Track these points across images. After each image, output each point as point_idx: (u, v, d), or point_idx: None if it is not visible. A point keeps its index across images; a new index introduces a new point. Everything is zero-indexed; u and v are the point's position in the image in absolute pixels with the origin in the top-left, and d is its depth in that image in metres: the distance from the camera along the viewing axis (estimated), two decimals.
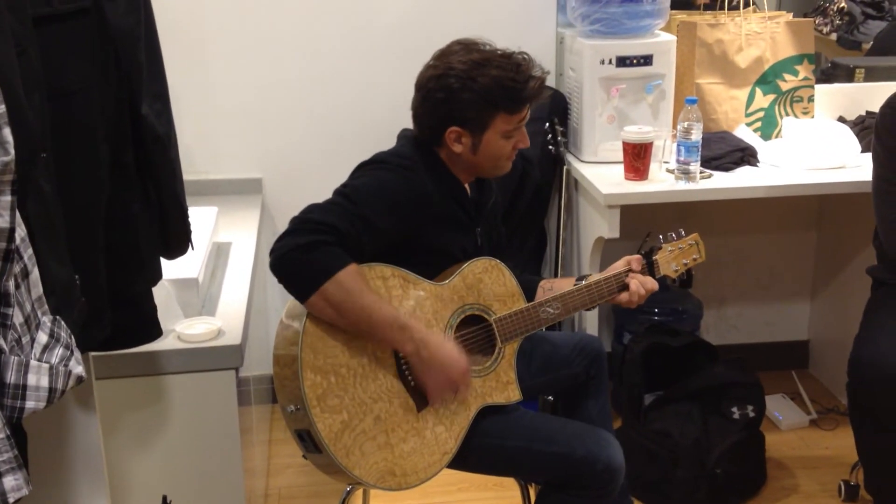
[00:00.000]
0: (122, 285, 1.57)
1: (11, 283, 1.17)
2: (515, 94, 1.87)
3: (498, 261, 1.99)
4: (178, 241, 1.73)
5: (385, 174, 1.87)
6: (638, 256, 2.07)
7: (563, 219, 2.93)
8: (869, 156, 2.46)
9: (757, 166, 2.80)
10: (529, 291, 2.04)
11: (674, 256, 2.12)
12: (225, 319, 2.05)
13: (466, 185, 2.00)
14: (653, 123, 2.79)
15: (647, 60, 2.78)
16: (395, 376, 1.82)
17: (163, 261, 1.73)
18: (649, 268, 2.08)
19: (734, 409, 2.67)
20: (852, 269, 3.11)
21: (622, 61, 2.76)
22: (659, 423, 2.65)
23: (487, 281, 1.95)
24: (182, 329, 1.97)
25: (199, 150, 2.97)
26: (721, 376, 2.71)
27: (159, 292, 1.76)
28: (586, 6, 2.78)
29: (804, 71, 2.98)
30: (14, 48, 1.22)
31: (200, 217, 2.37)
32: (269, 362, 1.80)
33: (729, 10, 2.98)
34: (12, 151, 1.15)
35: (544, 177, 2.99)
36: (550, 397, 2.69)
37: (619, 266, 2.06)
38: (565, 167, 2.89)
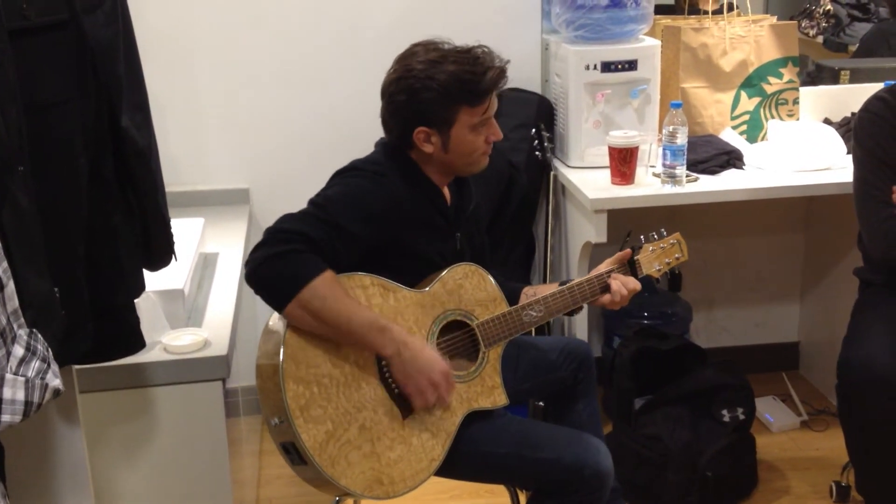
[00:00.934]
0: (104, 297, 1.57)
1: None
2: (474, 86, 1.87)
3: (478, 266, 1.98)
4: (161, 253, 1.73)
5: (358, 181, 1.88)
6: (626, 252, 2.07)
7: (550, 224, 2.93)
8: None
9: (743, 169, 2.81)
10: (513, 299, 2.04)
11: (655, 256, 2.12)
12: (211, 330, 2.04)
13: (445, 189, 2.00)
14: (638, 128, 2.79)
15: (631, 65, 2.78)
16: (379, 385, 1.82)
17: (148, 272, 1.73)
18: (631, 268, 2.08)
19: (724, 412, 2.67)
20: (841, 270, 3.11)
21: (607, 66, 2.77)
22: (649, 427, 2.65)
23: (468, 286, 1.95)
24: (168, 340, 1.97)
25: (185, 161, 2.97)
26: (711, 379, 2.71)
27: (145, 304, 1.76)
28: (570, 12, 2.78)
29: (789, 73, 2.98)
30: None
31: (187, 228, 2.36)
32: None
33: (713, 14, 2.99)
34: None
35: (531, 183, 2.99)
36: (541, 402, 2.68)
37: (601, 268, 2.07)
38: (552, 173, 2.89)
